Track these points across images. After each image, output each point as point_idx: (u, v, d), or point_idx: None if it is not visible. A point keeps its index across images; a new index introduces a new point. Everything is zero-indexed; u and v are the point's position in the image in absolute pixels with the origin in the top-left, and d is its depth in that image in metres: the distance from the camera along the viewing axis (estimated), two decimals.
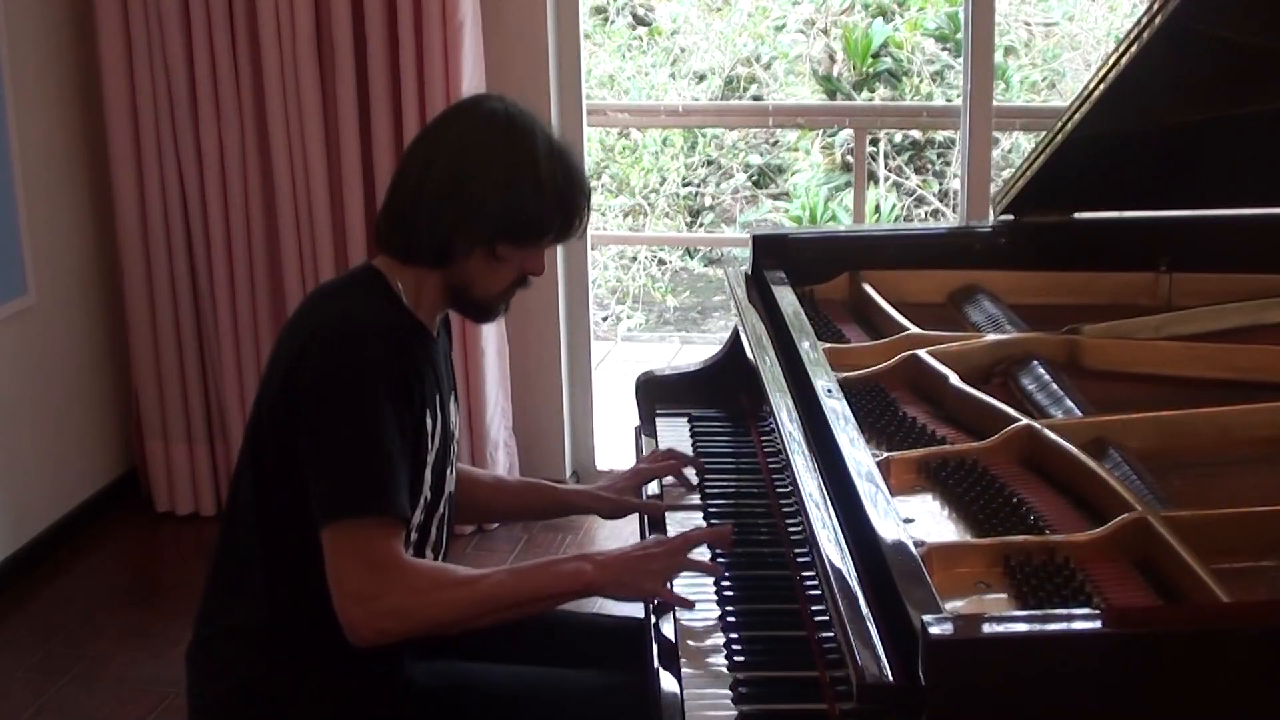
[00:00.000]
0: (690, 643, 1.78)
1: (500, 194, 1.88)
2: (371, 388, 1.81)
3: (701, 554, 1.94)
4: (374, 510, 1.79)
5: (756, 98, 7.17)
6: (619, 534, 3.74)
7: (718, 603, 1.86)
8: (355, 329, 1.85)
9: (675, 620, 1.81)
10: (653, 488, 2.24)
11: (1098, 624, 1.42)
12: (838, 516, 1.65)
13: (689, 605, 1.83)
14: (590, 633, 2.14)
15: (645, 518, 2.20)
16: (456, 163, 1.89)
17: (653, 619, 1.84)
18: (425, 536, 1.96)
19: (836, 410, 1.84)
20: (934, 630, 1.28)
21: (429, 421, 1.90)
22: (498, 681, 1.95)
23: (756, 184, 7.30)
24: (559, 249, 3.91)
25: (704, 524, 2.11)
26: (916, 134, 6.91)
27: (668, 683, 1.70)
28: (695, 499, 2.18)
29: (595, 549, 3.74)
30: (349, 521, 1.78)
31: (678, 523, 2.12)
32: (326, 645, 1.82)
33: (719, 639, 1.78)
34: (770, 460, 2.21)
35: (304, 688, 1.89)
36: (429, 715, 1.93)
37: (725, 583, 1.92)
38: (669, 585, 1.86)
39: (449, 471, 2.01)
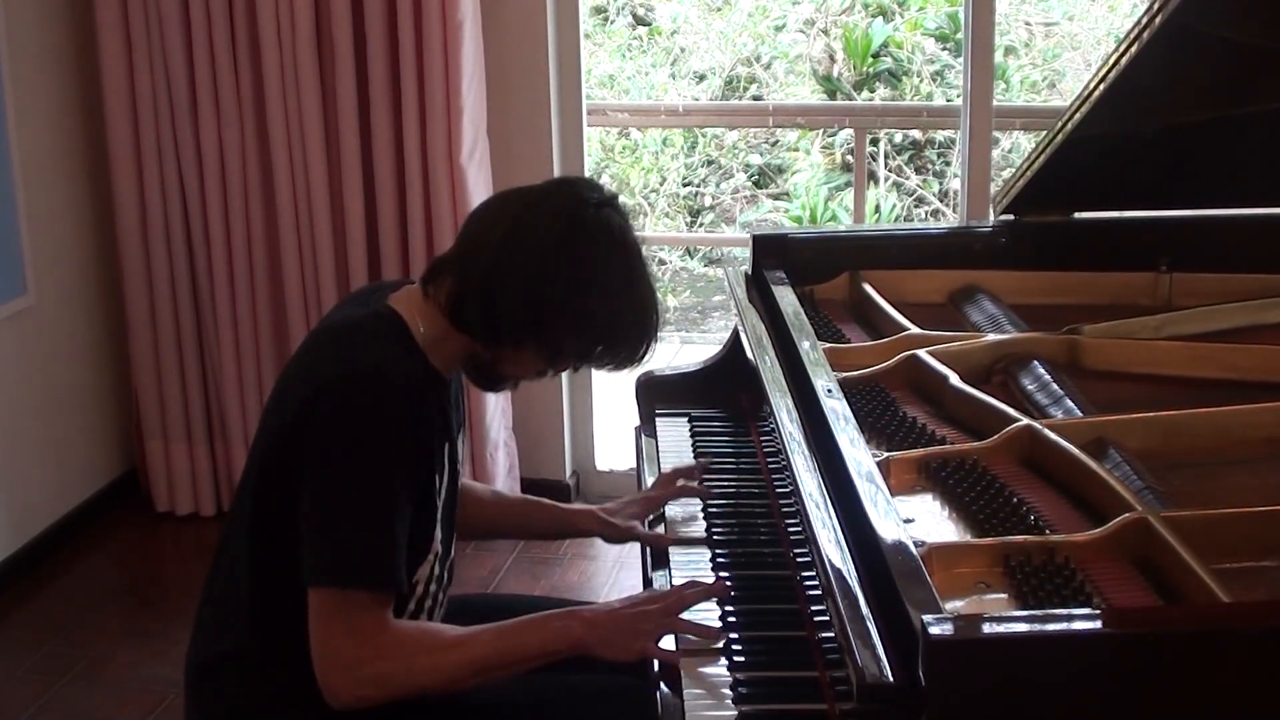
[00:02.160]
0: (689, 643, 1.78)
1: (602, 326, 1.82)
2: (383, 453, 1.75)
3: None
4: (368, 585, 1.74)
5: (756, 98, 7.17)
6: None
7: (718, 603, 1.85)
8: (371, 386, 1.76)
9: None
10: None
11: (1098, 624, 1.42)
12: (838, 516, 1.65)
13: (674, 659, 1.75)
14: None
15: (647, 548, 2.14)
16: (572, 280, 1.79)
17: (654, 675, 1.75)
18: (439, 585, 1.93)
19: (836, 410, 1.84)
20: (934, 630, 1.28)
21: (436, 479, 1.86)
22: (495, 688, 1.91)
23: (756, 184, 7.30)
24: None
25: (706, 529, 2.11)
26: (916, 134, 6.91)
27: (667, 683, 1.70)
28: (699, 530, 2.11)
29: (595, 550, 3.75)
30: (340, 590, 1.74)
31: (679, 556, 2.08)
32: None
33: (719, 640, 1.78)
34: (770, 460, 2.21)
35: (301, 707, 1.85)
36: None
37: (725, 583, 1.92)
38: (658, 643, 1.78)
39: (457, 512, 1.97)
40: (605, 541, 2.24)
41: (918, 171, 7.04)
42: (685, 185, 7.22)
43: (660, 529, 2.14)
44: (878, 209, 6.65)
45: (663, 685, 1.70)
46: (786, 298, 2.30)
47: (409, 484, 1.78)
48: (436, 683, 1.78)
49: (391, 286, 1.97)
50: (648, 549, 2.12)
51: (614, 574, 3.63)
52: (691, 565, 2.02)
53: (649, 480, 2.28)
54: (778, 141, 7.32)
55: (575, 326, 1.82)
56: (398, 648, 1.76)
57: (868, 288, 2.43)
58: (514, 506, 2.31)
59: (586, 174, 3.99)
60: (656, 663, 1.75)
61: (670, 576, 1.99)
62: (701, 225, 7.25)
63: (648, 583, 2.04)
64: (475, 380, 1.96)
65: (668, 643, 1.78)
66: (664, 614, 1.79)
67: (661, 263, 7.10)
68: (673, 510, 2.18)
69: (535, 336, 1.82)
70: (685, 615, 1.81)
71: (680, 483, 2.20)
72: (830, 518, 1.66)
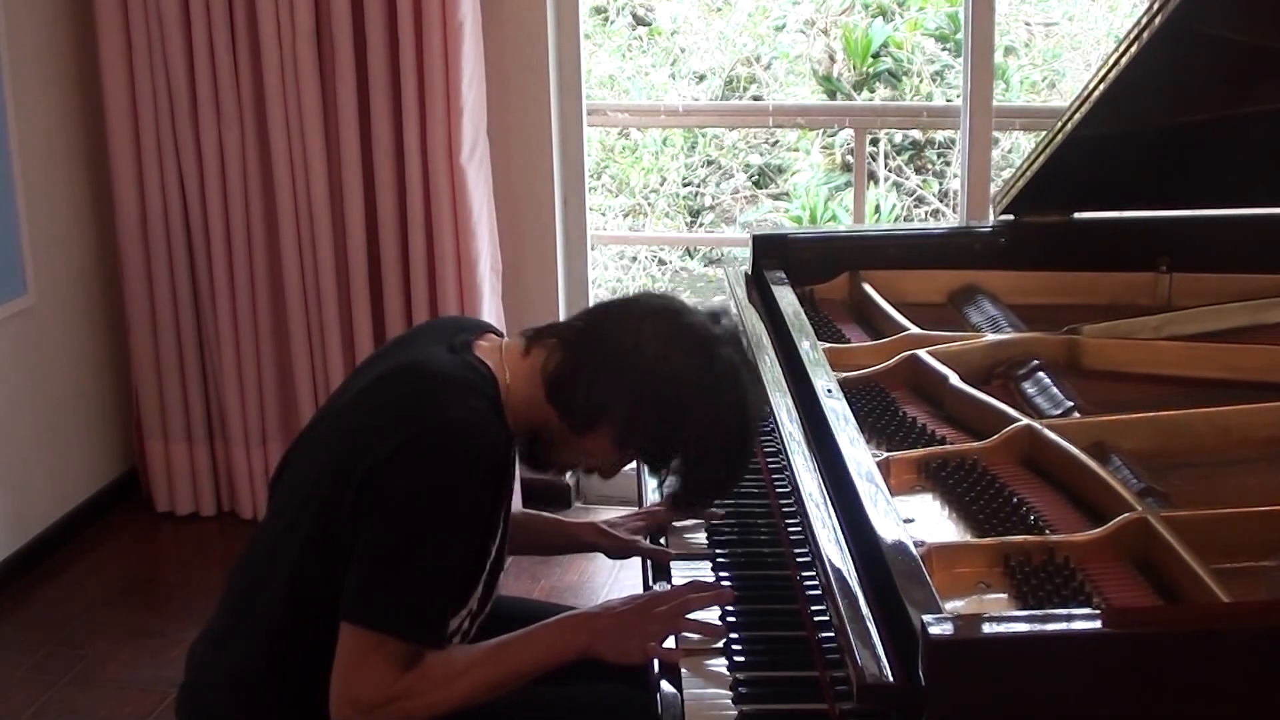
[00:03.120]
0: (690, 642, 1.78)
1: (691, 453, 1.83)
2: (460, 509, 1.74)
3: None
4: (406, 636, 1.74)
5: (756, 98, 7.17)
6: None
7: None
8: (467, 441, 1.74)
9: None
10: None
11: (1098, 624, 1.41)
12: (838, 516, 1.65)
13: (677, 658, 1.75)
14: None
15: (649, 562, 2.12)
16: (686, 399, 1.80)
17: (658, 679, 1.75)
18: (465, 639, 1.91)
19: (836, 410, 1.84)
20: (934, 630, 1.28)
21: (494, 542, 1.86)
22: (497, 700, 1.92)
23: (756, 184, 7.29)
24: (559, 245, 3.91)
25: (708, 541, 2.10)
26: (916, 134, 6.90)
27: (668, 682, 1.70)
28: (701, 540, 2.10)
29: (595, 561, 3.73)
30: (377, 634, 1.73)
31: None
32: (321, 698, 1.78)
33: (721, 639, 1.78)
34: (770, 460, 2.21)
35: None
36: None
37: (725, 583, 1.92)
38: (662, 644, 1.78)
39: (501, 573, 1.96)
40: (607, 556, 2.22)
41: (918, 171, 7.03)
42: (685, 185, 7.22)
43: (663, 541, 2.13)
44: (878, 209, 6.65)
45: (663, 685, 1.70)
46: (786, 298, 2.30)
47: (471, 552, 1.79)
48: (448, 709, 1.78)
49: (474, 328, 1.96)
50: (649, 563, 2.11)
51: (614, 574, 3.63)
52: (693, 570, 2.01)
53: (649, 481, 2.28)
54: (778, 141, 7.32)
55: (667, 442, 1.83)
56: (415, 686, 1.76)
57: (868, 288, 2.43)
58: (516, 522, 2.30)
59: (586, 174, 3.99)
60: (658, 663, 1.75)
61: (672, 584, 1.98)
62: (701, 225, 7.24)
63: (648, 590, 2.03)
64: (531, 459, 1.94)
65: (669, 642, 1.78)
66: (669, 616, 1.80)
67: (661, 263, 7.09)
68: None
69: (623, 434, 1.82)
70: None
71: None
72: (830, 518, 1.66)
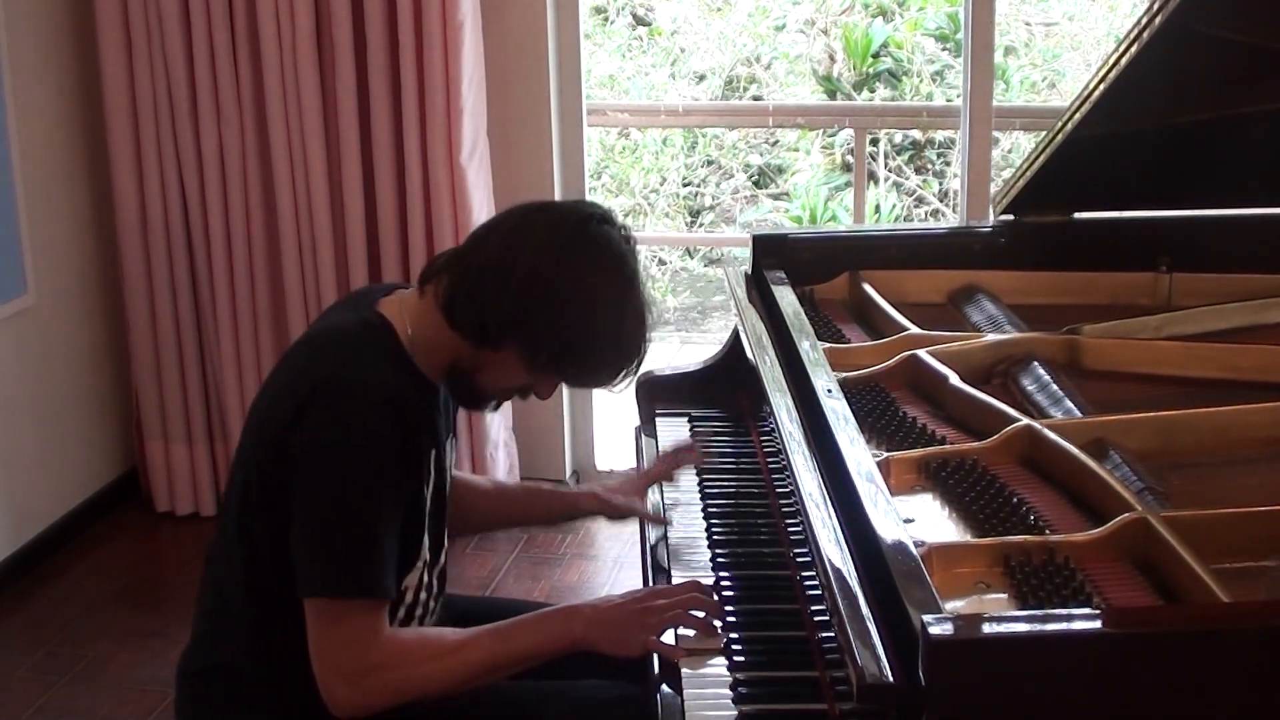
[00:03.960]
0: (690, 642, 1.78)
1: (583, 336, 1.81)
2: (368, 465, 1.76)
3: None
4: (360, 593, 1.75)
5: (756, 98, 7.17)
6: (619, 533, 3.74)
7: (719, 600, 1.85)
8: (356, 398, 1.77)
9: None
10: (653, 493, 2.22)
11: (1098, 624, 1.42)
12: (838, 516, 1.65)
13: (679, 655, 1.74)
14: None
15: (646, 525, 2.15)
16: (564, 282, 1.79)
17: (658, 680, 1.74)
18: (429, 593, 1.93)
19: (836, 410, 1.84)
20: (934, 630, 1.28)
21: (424, 488, 1.86)
22: (493, 694, 1.91)
23: (756, 184, 7.30)
24: None
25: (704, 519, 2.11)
26: (916, 134, 6.91)
27: (668, 683, 1.70)
28: (695, 501, 2.13)
29: (595, 550, 3.75)
30: (332, 601, 1.76)
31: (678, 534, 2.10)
32: (314, 683, 1.78)
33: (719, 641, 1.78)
34: (770, 460, 2.21)
35: (294, 712, 1.86)
36: None
37: (725, 584, 1.92)
38: (660, 637, 1.78)
39: (446, 519, 1.97)
40: (607, 519, 2.25)
41: (918, 171, 7.03)
42: (685, 185, 7.22)
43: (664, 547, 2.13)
44: (878, 209, 6.65)
45: (663, 686, 1.70)
46: (786, 298, 2.30)
47: (395, 494, 1.79)
48: (440, 688, 1.78)
49: (384, 291, 1.97)
50: (648, 557, 2.12)
51: (614, 574, 3.63)
52: (693, 569, 2.01)
53: (647, 451, 2.29)
54: (778, 141, 7.32)
55: (558, 331, 1.80)
56: (399, 655, 1.77)
57: (868, 288, 2.43)
58: (516, 494, 2.34)
59: (586, 174, 3.99)
60: (657, 662, 1.75)
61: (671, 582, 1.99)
62: (701, 225, 7.24)
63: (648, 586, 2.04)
64: (457, 394, 1.95)
65: (669, 638, 1.77)
66: (668, 609, 1.79)
67: (661, 263, 7.09)
68: (670, 495, 2.19)
69: (516, 335, 1.81)
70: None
71: (670, 457, 2.22)
72: (830, 518, 1.66)
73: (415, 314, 1.88)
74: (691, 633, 1.78)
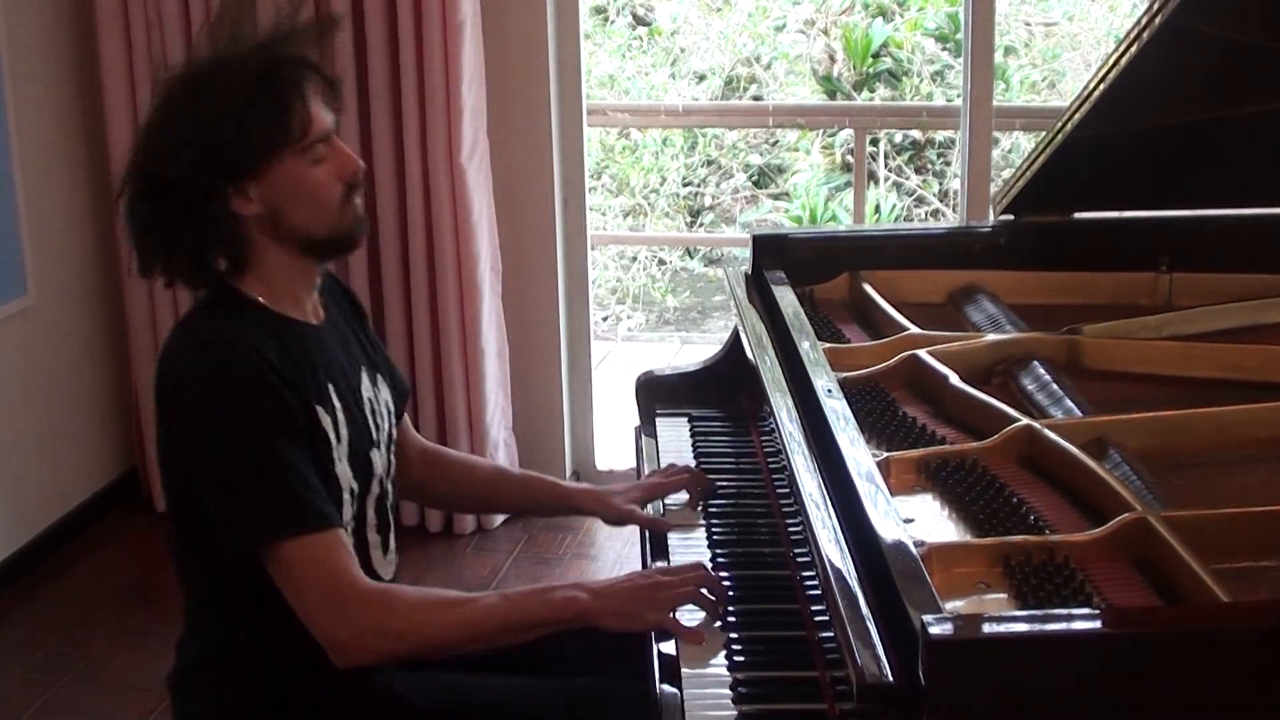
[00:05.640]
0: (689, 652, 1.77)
1: (209, 117, 1.75)
2: (247, 413, 1.73)
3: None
4: (299, 526, 1.72)
5: (756, 98, 7.17)
6: (618, 533, 3.74)
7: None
8: (212, 358, 1.77)
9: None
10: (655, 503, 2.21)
11: (1098, 624, 1.41)
12: (838, 516, 1.65)
13: (698, 639, 1.73)
14: (588, 640, 2.11)
15: (647, 532, 2.13)
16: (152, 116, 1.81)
17: (654, 645, 1.74)
18: (363, 522, 1.90)
19: (836, 410, 1.84)
20: (934, 630, 1.28)
21: (325, 417, 1.82)
22: (491, 693, 1.92)
23: (756, 184, 7.30)
24: (559, 245, 3.91)
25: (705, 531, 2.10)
26: (916, 134, 6.91)
27: (667, 683, 1.70)
28: (699, 518, 2.11)
29: (595, 550, 3.76)
30: (283, 547, 1.72)
31: (678, 535, 2.09)
32: (307, 665, 1.77)
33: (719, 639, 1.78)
34: (770, 460, 2.21)
35: (288, 708, 1.86)
36: None
37: (726, 583, 1.92)
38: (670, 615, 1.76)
39: (375, 453, 1.92)
40: (604, 522, 2.22)
41: (918, 171, 7.04)
42: (685, 185, 7.22)
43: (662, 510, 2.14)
44: (878, 209, 6.65)
45: (663, 685, 1.70)
46: (786, 298, 2.30)
47: (288, 432, 1.75)
48: (441, 638, 1.77)
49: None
50: (647, 547, 2.12)
51: (613, 574, 3.62)
52: (689, 548, 2.02)
53: (648, 458, 2.28)
54: (778, 141, 7.32)
55: (193, 130, 1.76)
56: (395, 597, 1.76)
57: (868, 288, 2.43)
58: (514, 480, 2.32)
59: (586, 174, 3.99)
60: (657, 663, 1.75)
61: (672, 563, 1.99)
62: (701, 225, 7.25)
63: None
64: (327, 253, 1.92)
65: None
66: (678, 586, 1.78)
67: (661, 263, 7.09)
68: (671, 496, 2.18)
69: (204, 172, 1.75)
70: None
71: (682, 475, 2.19)
72: (830, 518, 1.66)
73: (239, 285, 1.84)
74: (696, 620, 1.78)
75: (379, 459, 1.94)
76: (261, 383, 1.75)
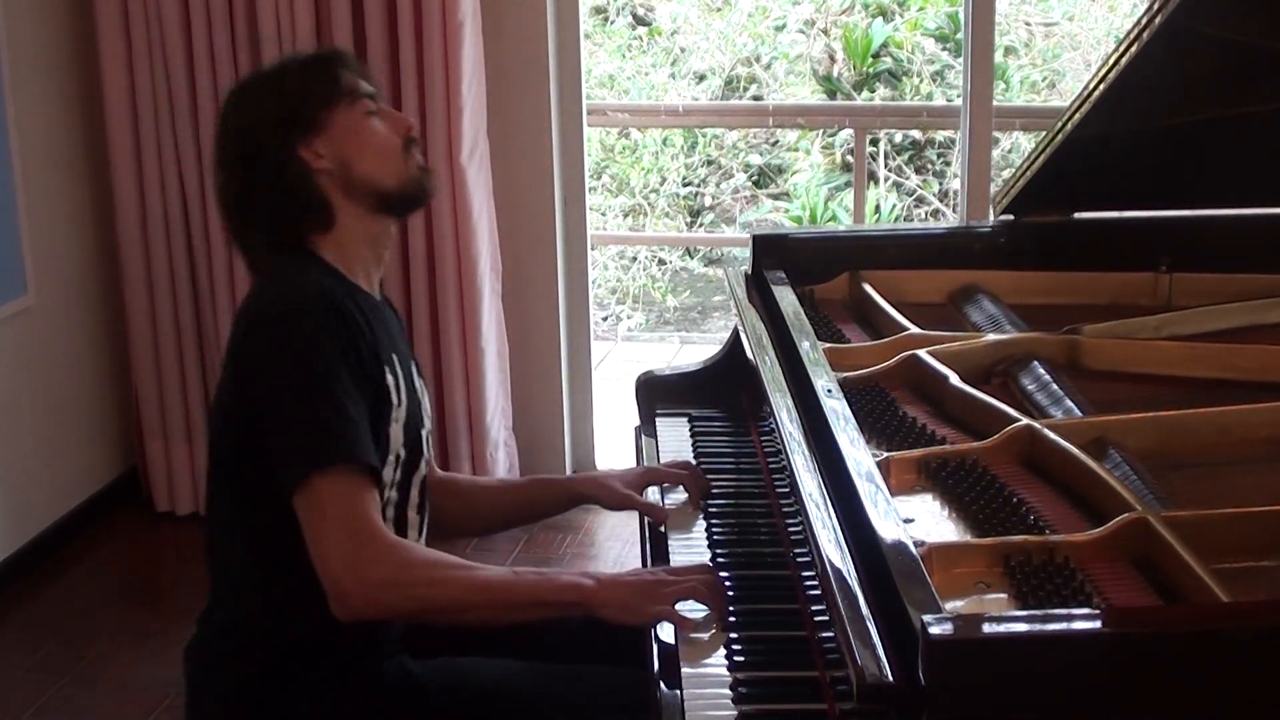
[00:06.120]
0: (689, 644, 1.77)
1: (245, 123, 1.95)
2: (319, 348, 1.79)
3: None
4: (337, 459, 1.75)
5: (756, 98, 7.17)
6: (618, 533, 3.75)
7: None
8: (292, 299, 1.84)
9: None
10: (653, 494, 2.22)
11: (1098, 624, 1.41)
12: (838, 516, 1.65)
13: (689, 626, 1.75)
14: (593, 628, 2.12)
15: (647, 533, 2.14)
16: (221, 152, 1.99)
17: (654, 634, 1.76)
18: (406, 497, 1.94)
19: (836, 410, 1.84)
20: (934, 630, 1.28)
21: (389, 377, 1.88)
22: (500, 677, 1.93)
23: (756, 184, 7.30)
24: (559, 245, 3.91)
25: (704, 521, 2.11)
26: (916, 134, 6.91)
27: (667, 683, 1.70)
28: (699, 519, 2.11)
29: (595, 550, 3.76)
30: (316, 478, 1.75)
31: (678, 535, 2.10)
32: (323, 640, 1.81)
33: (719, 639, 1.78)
34: (770, 460, 2.21)
35: (302, 683, 1.88)
36: (430, 711, 1.91)
37: (726, 584, 1.92)
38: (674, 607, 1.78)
39: (424, 435, 1.98)
40: (604, 508, 2.24)
41: (918, 171, 7.04)
42: (685, 185, 7.22)
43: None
44: (878, 209, 6.65)
45: (663, 685, 1.70)
46: (786, 298, 2.30)
47: (353, 371, 1.81)
48: (445, 598, 1.79)
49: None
50: (647, 548, 2.12)
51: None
52: (688, 546, 2.03)
53: (653, 493, 2.28)
54: (778, 141, 7.32)
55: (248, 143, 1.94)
56: (405, 554, 1.78)
57: (868, 288, 2.43)
58: (522, 486, 2.38)
59: (586, 174, 3.99)
60: (657, 661, 1.75)
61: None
62: (701, 225, 7.25)
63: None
64: (394, 209, 2.00)
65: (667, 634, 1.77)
66: (682, 581, 1.80)
67: (661, 263, 7.09)
68: (671, 496, 2.19)
69: (275, 147, 1.92)
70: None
71: (683, 468, 2.21)
72: (830, 518, 1.66)
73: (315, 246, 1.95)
74: (698, 614, 1.78)
75: (427, 445, 2.00)
76: (339, 323, 1.82)
